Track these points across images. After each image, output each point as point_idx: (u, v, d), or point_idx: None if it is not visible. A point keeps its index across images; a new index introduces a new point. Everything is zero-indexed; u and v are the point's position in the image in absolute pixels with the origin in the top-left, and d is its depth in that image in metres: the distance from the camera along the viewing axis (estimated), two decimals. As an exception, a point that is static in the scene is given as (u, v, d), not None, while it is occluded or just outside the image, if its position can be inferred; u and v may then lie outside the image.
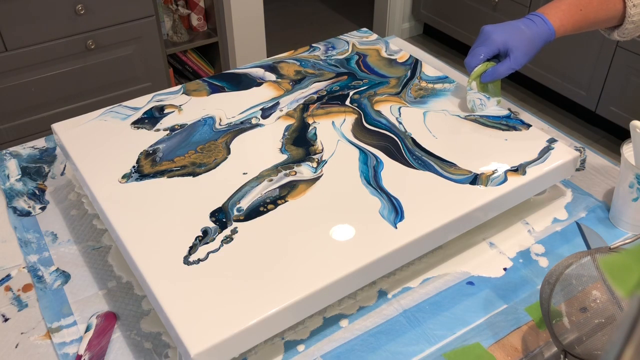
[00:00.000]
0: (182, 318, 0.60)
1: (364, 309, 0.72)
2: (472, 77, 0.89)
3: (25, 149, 0.98)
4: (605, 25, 0.88)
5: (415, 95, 0.94)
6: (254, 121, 0.89)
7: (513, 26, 0.86)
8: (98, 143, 0.84)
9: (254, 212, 0.72)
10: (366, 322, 0.71)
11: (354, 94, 0.95)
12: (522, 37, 0.85)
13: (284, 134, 0.86)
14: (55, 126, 0.88)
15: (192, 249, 0.68)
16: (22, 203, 0.87)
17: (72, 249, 0.80)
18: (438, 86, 0.97)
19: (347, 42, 1.10)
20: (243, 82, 0.99)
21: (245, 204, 0.74)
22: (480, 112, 0.90)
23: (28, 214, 0.86)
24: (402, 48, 1.09)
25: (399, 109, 0.91)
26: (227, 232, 0.70)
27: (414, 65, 1.03)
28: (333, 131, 0.86)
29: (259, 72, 1.01)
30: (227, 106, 0.92)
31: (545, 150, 0.82)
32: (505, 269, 0.78)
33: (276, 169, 0.79)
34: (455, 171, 0.79)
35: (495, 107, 0.91)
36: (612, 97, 2.20)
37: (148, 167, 0.80)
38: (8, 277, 0.77)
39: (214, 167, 0.80)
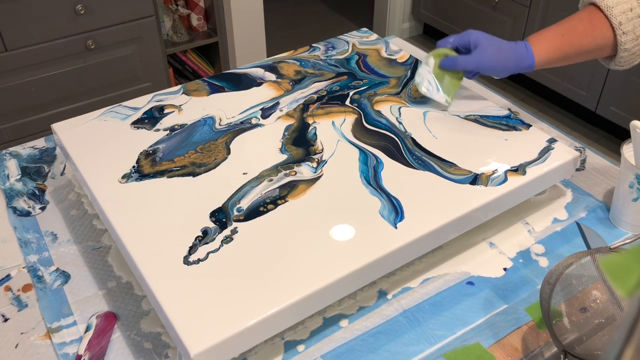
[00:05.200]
0: (182, 318, 0.60)
1: (364, 309, 0.72)
2: (432, 53, 0.90)
3: (25, 149, 0.98)
4: (599, 54, 0.86)
5: (416, 95, 0.94)
6: (254, 121, 0.89)
7: (494, 37, 0.87)
8: (98, 143, 0.84)
9: (254, 212, 0.72)
10: (366, 322, 0.71)
11: (354, 94, 0.95)
12: (494, 43, 0.86)
13: (283, 134, 0.86)
14: (55, 126, 0.88)
15: (192, 249, 0.68)
16: (22, 203, 0.87)
17: (72, 249, 0.80)
18: (438, 86, 0.97)
19: (347, 42, 1.10)
20: (243, 82, 0.99)
21: (245, 204, 0.74)
22: (423, 93, 0.89)
23: (28, 214, 0.86)
24: (402, 48, 1.09)
25: (399, 109, 0.91)
26: (227, 232, 0.70)
27: (414, 65, 1.03)
28: (333, 131, 0.86)
29: (259, 72, 1.01)
30: (227, 106, 0.92)
31: (545, 150, 0.82)
32: (505, 269, 0.78)
33: (276, 169, 0.79)
34: (455, 171, 0.79)
35: (441, 102, 0.89)
36: (612, 97, 2.20)
37: (148, 167, 0.80)
38: (8, 277, 0.77)
39: (214, 167, 0.80)
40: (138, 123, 0.89)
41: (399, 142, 0.84)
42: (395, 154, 0.81)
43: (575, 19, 0.85)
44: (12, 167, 0.94)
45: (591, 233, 0.82)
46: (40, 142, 1.00)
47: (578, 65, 2.43)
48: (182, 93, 0.96)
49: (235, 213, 0.72)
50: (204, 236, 0.69)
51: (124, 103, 0.93)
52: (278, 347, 0.68)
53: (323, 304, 0.66)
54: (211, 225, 0.71)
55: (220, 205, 0.73)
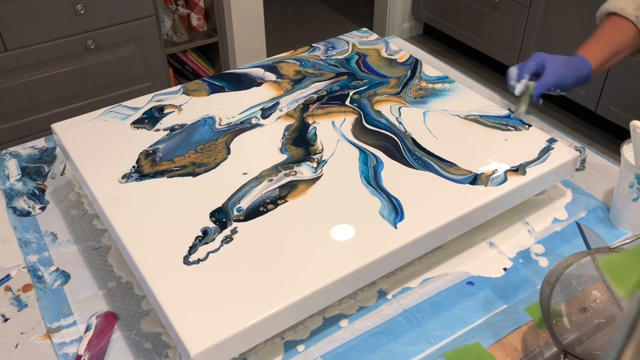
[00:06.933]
0: (182, 318, 0.60)
1: (364, 309, 0.72)
2: (521, 100, 0.94)
3: (25, 149, 0.98)
4: (634, 48, 1.01)
5: (415, 95, 0.94)
6: (254, 121, 0.89)
7: (554, 55, 0.97)
8: (98, 143, 0.84)
9: (254, 212, 0.72)
10: (366, 322, 0.71)
11: (354, 93, 0.95)
12: (558, 58, 0.95)
13: (283, 134, 0.86)
14: (55, 126, 0.88)
15: (192, 249, 0.68)
16: (22, 203, 0.87)
17: (72, 249, 0.80)
18: (438, 86, 0.97)
19: (347, 42, 1.10)
20: (243, 82, 0.99)
21: (245, 204, 0.74)
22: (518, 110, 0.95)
23: (28, 214, 0.86)
24: (402, 48, 1.09)
25: (399, 109, 0.91)
26: (227, 232, 0.70)
27: (414, 65, 1.03)
28: (333, 131, 0.86)
29: (259, 72, 1.01)
30: (227, 106, 0.92)
31: (545, 150, 0.82)
32: (505, 269, 0.78)
33: (276, 169, 0.79)
34: (455, 171, 0.79)
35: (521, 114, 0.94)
36: (612, 97, 2.20)
37: (148, 167, 0.80)
38: (8, 277, 0.77)
39: (214, 167, 0.80)
40: (138, 123, 0.89)
41: (399, 142, 0.84)
42: (395, 154, 0.81)
43: (603, 28, 1.00)
44: (12, 167, 0.94)
45: (591, 233, 0.82)
46: (40, 142, 1.00)
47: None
48: (182, 93, 0.96)
49: (235, 213, 0.72)
50: (204, 236, 0.69)
51: (124, 103, 0.93)
52: (278, 347, 0.68)
53: (323, 304, 0.66)
54: (211, 225, 0.71)
55: (220, 205, 0.73)
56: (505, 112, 0.91)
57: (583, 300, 0.67)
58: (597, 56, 0.97)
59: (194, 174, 0.78)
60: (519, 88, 0.92)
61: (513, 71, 0.93)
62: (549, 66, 0.93)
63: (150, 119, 0.89)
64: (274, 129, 0.87)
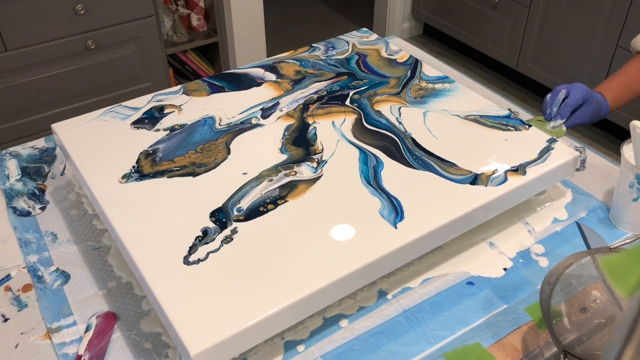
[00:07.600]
0: (182, 318, 0.60)
1: (364, 309, 0.72)
2: (552, 130, 0.94)
3: (25, 149, 0.98)
4: None
5: (415, 95, 0.94)
6: (254, 121, 0.89)
7: (590, 91, 0.97)
8: (98, 143, 0.84)
9: (254, 212, 0.72)
10: (366, 322, 0.71)
11: (354, 94, 0.95)
12: (594, 97, 0.96)
13: (283, 134, 0.86)
14: (55, 126, 0.88)
15: (192, 249, 0.68)
16: (22, 203, 0.87)
17: (72, 249, 0.80)
18: (438, 86, 0.97)
19: (347, 42, 1.10)
20: (243, 82, 0.99)
21: (245, 204, 0.74)
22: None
23: (28, 214, 0.86)
24: (402, 48, 1.09)
25: (399, 109, 0.91)
26: (227, 232, 0.70)
27: (414, 65, 1.03)
28: (333, 131, 0.86)
29: (259, 72, 1.01)
30: (227, 106, 0.92)
31: (545, 150, 0.82)
32: (505, 269, 0.78)
33: (276, 169, 0.79)
34: (455, 171, 0.79)
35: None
36: (612, 97, 2.19)
37: (148, 167, 0.80)
38: (8, 277, 0.77)
39: (214, 167, 0.80)
40: (138, 123, 0.89)
41: (399, 142, 0.84)
42: (395, 154, 0.81)
43: (632, 68, 1.00)
44: (12, 167, 0.94)
45: (591, 233, 0.82)
46: (40, 142, 1.00)
47: (578, 65, 2.41)
48: (182, 93, 0.96)
49: (235, 213, 0.72)
50: (204, 236, 0.69)
51: (124, 103, 0.93)
52: (278, 347, 0.68)
53: (323, 304, 0.66)
54: (211, 225, 0.71)
55: (220, 205, 0.73)
56: (505, 112, 0.91)
57: (583, 300, 0.67)
58: (617, 100, 0.99)
59: (194, 174, 0.78)
60: (556, 124, 0.95)
61: (560, 96, 0.94)
62: (583, 110, 0.95)
63: (150, 119, 0.89)
64: (274, 129, 0.87)
